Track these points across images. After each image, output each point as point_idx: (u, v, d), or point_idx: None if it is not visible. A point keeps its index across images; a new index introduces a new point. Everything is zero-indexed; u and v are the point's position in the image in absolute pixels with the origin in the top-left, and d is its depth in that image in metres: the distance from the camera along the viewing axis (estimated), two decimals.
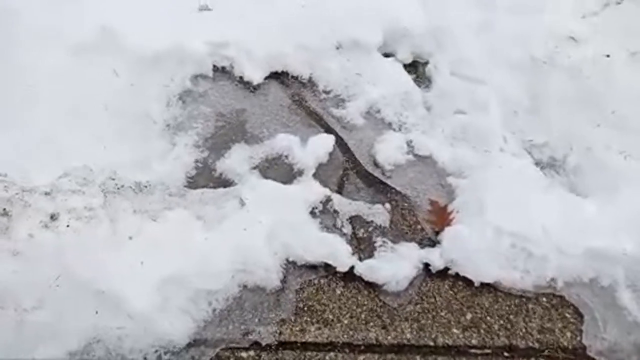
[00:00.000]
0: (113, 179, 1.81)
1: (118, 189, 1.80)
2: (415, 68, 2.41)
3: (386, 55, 2.40)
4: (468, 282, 1.78)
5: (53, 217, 1.63)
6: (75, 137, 1.91)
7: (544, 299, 1.77)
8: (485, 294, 1.77)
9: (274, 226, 1.80)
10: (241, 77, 2.28)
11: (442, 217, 1.93)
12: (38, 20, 2.10)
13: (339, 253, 1.78)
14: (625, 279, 1.78)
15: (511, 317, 1.73)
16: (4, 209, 1.62)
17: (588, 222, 1.86)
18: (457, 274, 1.79)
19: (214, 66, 2.30)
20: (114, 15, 2.23)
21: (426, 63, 2.39)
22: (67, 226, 1.61)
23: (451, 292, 1.77)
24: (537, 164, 2.07)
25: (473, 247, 1.81)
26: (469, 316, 1.73)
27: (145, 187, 1.86)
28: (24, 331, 1.50)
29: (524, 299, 1.77)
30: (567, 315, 1.75)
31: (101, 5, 2.23)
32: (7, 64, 2.00)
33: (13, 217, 1.61)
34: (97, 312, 1.56)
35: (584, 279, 1.79)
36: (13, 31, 2.06)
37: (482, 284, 1.78)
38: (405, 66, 2.38)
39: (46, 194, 1.67)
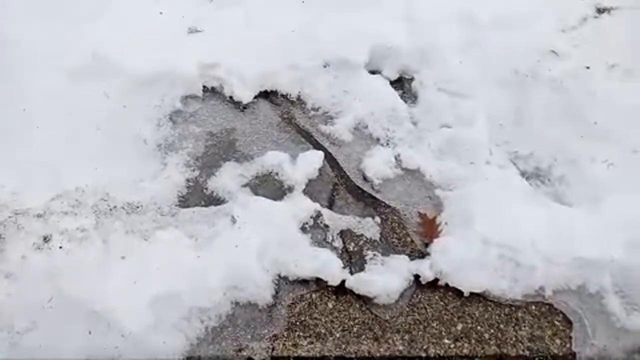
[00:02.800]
0: (105, 200, 1.83)
1: (110, 209, 1.82)
2: (402, 84, 2.45)
3: (373, 72, 2.45)
4: (458, 293, 1.81)
5: (46, 239, 1.65)
6: (68, 159, 1.94)
7: (533, 307, 1.80)
8: (475, 304, 1.79)
9: (265, 242, 1.82)
10: (231, 97, 2.32)
11: (430, 229, 1.96)
12: (34, 46, 2.15)
13: (330, 267, 1.80)
14: (613, 285, 1.81)
15: (501, 326, 1.75)
16: None
17: (574, 231, 1.89)
18: (447, 285, 1.82)
19: (204, 87, 2.34)
20: (107, 40, 2.28)
21: (412, 79, 2.44)
22: (60, 247, 1.63)
23: (442, 303, 1.80)
24: (522, 174, 2.11)
25: (462, 258, 1.83)
26: (459, 326, 1.75)
27: (137, 207, 1.88)
28: (17, 353, 1.51)
29: (513, 308, 1.79)
30: (556, 322, 1.77)
31: (95, 31, 2.28)
32: (2, 87, 2.03)
33: (6, 239, 1.63)
34: (90, 333, 1.57)
35: (572, 287, 1.82)
36: (9, 56, 2.10)
37: (472, 294, 1.80)
38: (392, 83, 2.43)
39: (39, 216, 1.69)
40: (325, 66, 2.41)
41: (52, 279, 1.59)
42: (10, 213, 1.68)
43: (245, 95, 2.32)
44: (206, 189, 2.03)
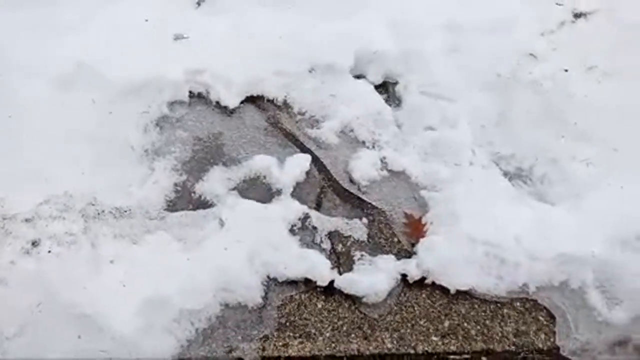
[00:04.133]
0: (93, 205, 1.84)
1: (98, 214, 1.83)
2: (386, 88, 2.49)
3: (358, 77, 2.49)
4: (444, 291, 1.84)
5: (34, 244, 1.65)
6: (55, 165, 1.94)
7: (518, 304, 1.83)
8: (461, 301, 1.83)
9: (254, 245, 1.84)
10: (217, 102, 2.33)
11: (417, 229, 1.99)
12: (20, 54, 2.15)
13: (318, 268, 1.83)
14: (594, 281, 1.85)
15: (487, 322, 1.79)
16: None
17: (557, 228, 1.94)
18: (433, 283, 1.85)
19: (190, 92, 2.35)
20: (92, 48, 2.29)
21: (396, 83, 2.48)
22: (49, 252, 1.63)
23: (429, 301, 1.83)
24: (505, 174, 2.15)
25: (448, 257, 1.87)
26: (446, 323, 1.78)
27: (125, 211, 1.89)
28: (6, 358, 1.50)
29: (498, 305, 1.83)
30: (540, 318, 1.81)
31: (80, 39, 2.28)
32: None
33: None
34: (79, 337, 1.56)
35: (555, 283, 1.86)
36: None
37: (458, 292, 1.84)
38: (376, 87, 2.46)
39: (27, 220, 1.69)
40: (311, 71, 2.44)
41: (41, 283, 1.58)
42: None
43: (231, 100, 2.34)
44: (194, 193, 2.04)
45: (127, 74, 2.27)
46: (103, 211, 1.84)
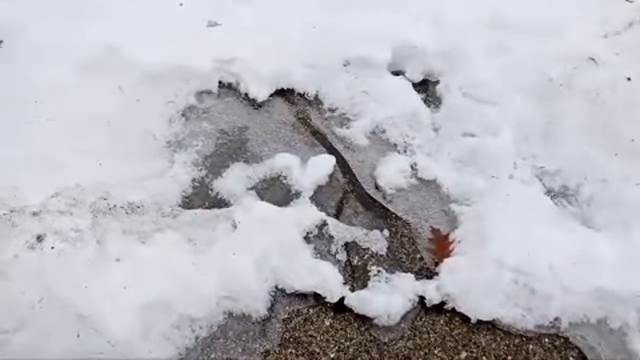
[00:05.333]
0: (105, 199, 1.80)
1: (110, 209, 1.78)
2: (426, 87, 2.33)
3: (395, 73, 2.33)
4: (465, 319, 1.69)
5: (39, 238, 1.62)
6: (73, 155, 1.91)
7: (546, 340, 1.66)
8: (482, 332, 1.67)
9: (264, 251, 1.75)
10: (246, 94, 2.25)
11: (442, 246, 1.85)
12: (43, 38, 2.12)
13: (329, 282, 1.72)
14: (639, 323, 1.65)
15: (509, 358, 1.63)
16: None
17: (599, 258, 1.75)
18: (453, 310, 1.71)
19: (220, 82, 2.27)
20: (120, 32, 2.24)
21: (437, 82, 2.31)
22: (52, 248, 1.60)
23: (446, 329, 1.68)
24: (548, 192, 1.97)
25: (472, 281, 1.72)
26: (463, 355, 1.63)
27: (138, 207, 1.84)
28: (4, 352, 1.49)
29: (524, 339, 1.66)
30: (571, 358, 1.63)
31: (107, 23, 2.23)
32: (12, 80, 2.02)
33: (0, 237, 1.61)
34: (78, 336, 1.53)
35: (592, 320, 1.68)
36: (18, 49, 2.08)
37: (480, 322, 1.69)
38: (415, 85, 2.31)
39: (34, 214, 1.66)
40: (345, 65, 2.32)
41: (43, 279, 1.56)
42: (6, 210, 1.66)
43: (261, 92, 2.25)
44: (211, 190, 1.96)
45: (156, 60, 2.21)
46: (115, 206, 1.80)
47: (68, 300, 1.55)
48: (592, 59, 2.17)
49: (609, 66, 2.14)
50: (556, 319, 1.68)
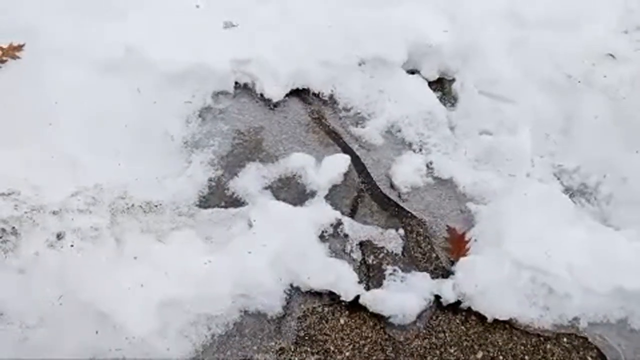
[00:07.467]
0: (123, 198, 1.82)
1: (127, 208, 1.81)
2: (442, 85, 2.32)
3: (411, 72, 2.33)
4: (481, 318, 1.68)
5: (59, 237, 1.65)
6: (92, 154, 1.93)
7: (565, 340, 1.64)
8: (499, 332, 1.66)
9: (280, 250, 1.75)
10: (262, 94, 2.26)
11: (458, 245, 1.83)
12: (62, 38, 2.15)
13: (344, 281, 1.72)
14: None
15: (526, 357, 1.61)
16: (13, 228, 1.66)
17: (619, 257, 1.72)
18: (469, 309, 1.69)
19: (236, 83, 2.29)
20: (138, 33, 2.25)
21: (453, 80, 2.30)
22: (72, 246, 1.63)
23: (462, 328, 1.67)
24: (566, 191, 1.94)
25: (489, 280, 1.70)
26: (479, 355, 1.62)
27: (156, 206, 1.86)
28: (25, 348, 1.52)
29: (541, 339, 1.64)
30: (590, 358, 1.61)
31: (125, 24, 2.26)
32: (31, 81, 2.06)
33: (21, 235, 1.65)
34: (97, 333, 1.56)
35: (612, 320, 1.65)
36: (37, 49, 2.11)
37: (496, 321, 1.67)
38: (431, 83, 2.30)
39: (54, 213, 1.70)
40: (360, 64, 2.31)
41: (63, 277, 1.59)
42: (27, 209, 1.70)
43: (276, 92, 2.26)
44: (227, 189, 1.98)
45: (173, 61, 2.22)
46: (133, 205, 1.82)
47: (87, 298, 1.57)
48: (612, 55, 2.13)
49: (629, 62, 2.10)
50: (575, 318, 1.66)
